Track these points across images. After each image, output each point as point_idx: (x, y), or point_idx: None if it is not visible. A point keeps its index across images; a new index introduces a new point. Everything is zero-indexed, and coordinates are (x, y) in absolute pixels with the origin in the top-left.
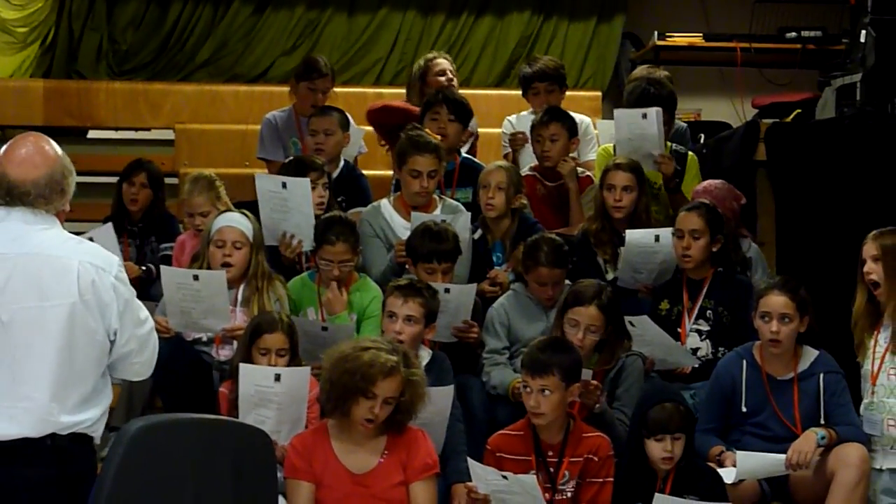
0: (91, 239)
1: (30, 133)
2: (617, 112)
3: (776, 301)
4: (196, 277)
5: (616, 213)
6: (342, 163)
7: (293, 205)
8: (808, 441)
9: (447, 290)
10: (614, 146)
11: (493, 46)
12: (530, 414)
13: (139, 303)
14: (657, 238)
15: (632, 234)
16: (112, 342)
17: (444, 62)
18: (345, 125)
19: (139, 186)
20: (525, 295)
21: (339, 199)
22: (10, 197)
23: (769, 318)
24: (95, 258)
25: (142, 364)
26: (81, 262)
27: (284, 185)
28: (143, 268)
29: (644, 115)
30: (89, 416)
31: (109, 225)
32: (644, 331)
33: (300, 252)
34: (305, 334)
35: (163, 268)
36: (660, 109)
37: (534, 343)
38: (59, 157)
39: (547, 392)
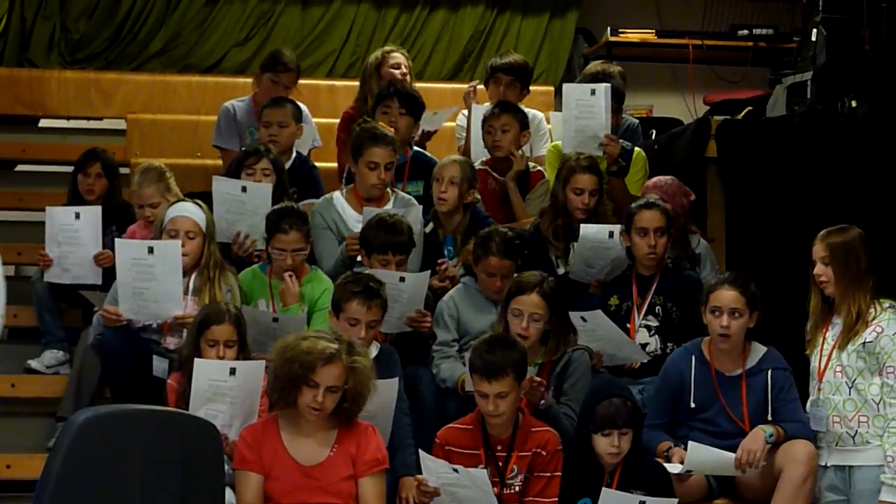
0: (78, 216)
1: None
2: (566, 87)
3: (726, 296)
4: (151, 250)
5: (582, 214)
6: (294, 154)
7: (251, 208)
8: (757, 440)
9: (402, 279)
10: (562, 141)
11: (447, 40)
12: (488, 417)
13: None
14: (611, 234)
15: (586, 229)
16: None
17: (400, 56)
18: (298, 117)
19: (94, 177)
20: (475, 288)
21: (291, 191)
22: None
23: (719, 312)
24: None
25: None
26: None
27: (244, 189)
28: None
29: (592, 92)
30: None
31: (98, 208)
32: (596, 326)
33: (252, 251)
34: (256, 325)
35: (117, 241)
36: (608, 86)
37: (478, 345)
38: None
39: (503, 394)
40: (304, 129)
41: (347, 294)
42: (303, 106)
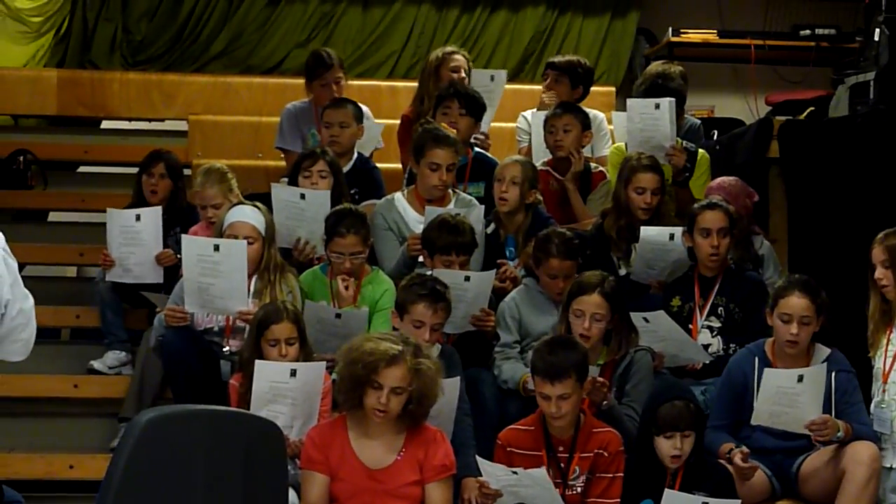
0: (139, 217)
1: None
2: (630, 101)
3: (798, 304)
4: (217, 248)
5: (644, 214)
6: (356, 155)
7: (310, 214)
8: (833, 424)
9: (467, 279)
10: (626, 144)
11: (508, 41)
12: (550, 419)
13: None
14: (671, 236)
15: (646, 232)
16: (2, 315)
17: (460, 59)
18: (359, 117)
19: (158, 177)
20: (536, 289)
21: (352, 192)
22: None
23: (789, 319)
24: None
25: (24, 343)
26: None
27: (303, 196)
28: (178, 256)
29: (657, 106)
30: None
31: (158, 209)
32: (658, 326)
33: (312, 256)
34: (319, 321)
35: (184, 237)
36: (672, 100)
37: (540, 346)
38: None
39: (565, 396)
40: (368, 129)
41: (413, 296)
42: (365, 108)
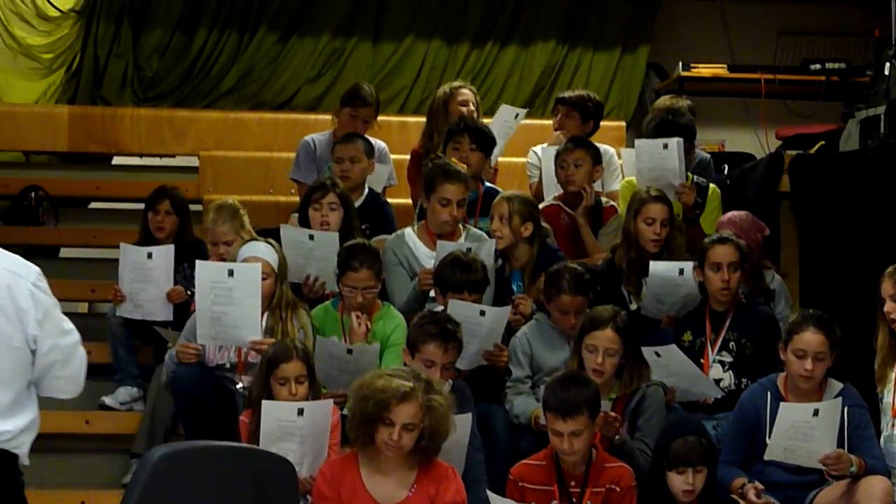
0: (150, 255)
1: None
2: (637, 142)
3: (813, 340)
4: (231, 273)
5: (654, 246)
6: (366, 191)
7: (319, 254)
8: (847, 458)
9: (483, 313)
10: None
11: (518, 76)
12: (562, 455)
13: (62, 314)
14: (681, 271)
15: (655, 266)
16: (34, 352)
17: (468, 93)
18: (370, 152)
19: (164, 214)
20: (548, 325)
21: (363, 227)
22: None
23: (804, 355)
24: (12, 265)
25: (67, 379)
26: None
27: (311, 237)
28: (189, 292)
29: (665, 146)
30: (6, 428)
31: (171, 247)
32: (670, 361)
33: (322, 293)
34: (330, 357)
35: (198, 263)
36: (680, 140)
37: (552, 383)
38: None
39: (578, 432)
40: (381, 167)
41: (424, 335)
42: (382, 143)
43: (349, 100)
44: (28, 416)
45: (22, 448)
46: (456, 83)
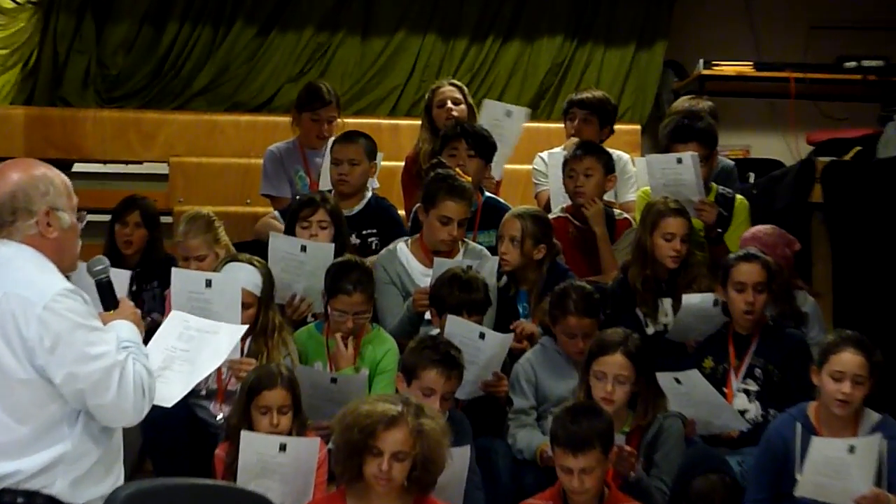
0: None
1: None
2: (648, 159)
3: (852, 361)
4: (209, 283)
5: (673, 262)
6: (369, 193)
7: (310, 268)
8: (885, 499)
9: (482, 336)
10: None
11: (521, 74)
12: (572, 494)
13: (92, 336)
14: (716, 302)
15: (689, 300)
16: (51, 383)
17: (448, 90)
18: (372, 153)
19: (133, 226)
20: (554, 349)
21: (364, 233)
22: None
23: (841, 377)
24: (25, 289)
25: (110, 408)
26: (6, 294)
27: (304, 249)
28: (149, 318)
29: (679, 160)
30: (20, 468)
31: (127, 274)
32: (691, 388)
33: (307, 315)
34: (313, 386)
35: (174, 270)
36: (695, 154)
37: (561, 414)
38: (21, 177)
39: (589, 469)
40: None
41: (425, 361)
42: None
43: (306, 103)
44: (59, 448)
45: (53, 486)
46: (438, 82)
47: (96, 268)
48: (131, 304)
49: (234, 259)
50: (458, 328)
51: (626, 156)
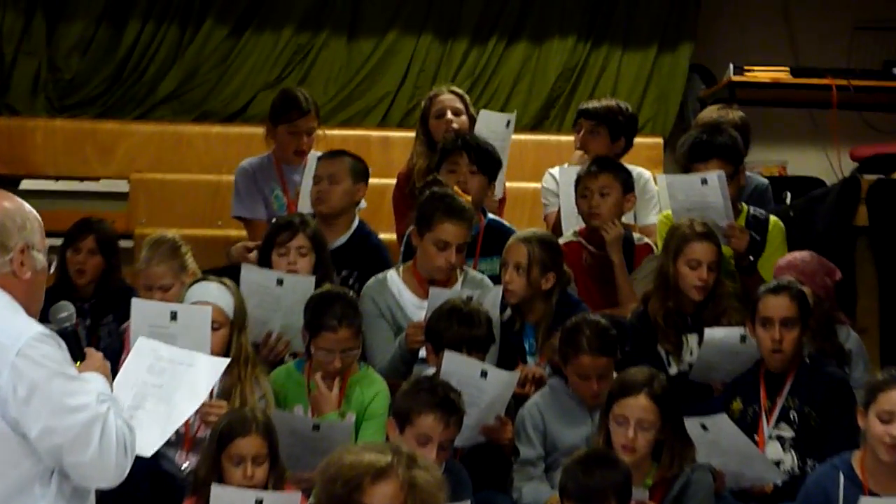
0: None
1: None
2: (669, 180)
3: None
4: (174, 315)
5: (699, 294)
6: (355, 224)
7: (287, 303)
8: None
9: (484, 374)
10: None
11: (529, 80)
12: None
13: (72, 386)
14: (743, 338)
15: (711, 334)
16: (24, 436)
17: (448, 98)
18: (359, 174)
19: (86, 253)
20: (564, 392)
21: (344, 274)
22: None
23: (892, 419)
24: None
25: (86, 465)
26: None
27: (280, 282)
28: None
29: (703, 181)
30: None
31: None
32: (719, 435)
33: (284, 355)
34: (293, 434)
35: (134, 301)
36: (722, 173)
37: (571, 464)
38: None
39: None
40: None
41: (421, 405)
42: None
43: (282, 113)
44: None
45: None
46: (436, 89)
47: (60, 315)
48: (100, 354)
49: (201, 280)
50: (458, 366)
51: (647, 173)
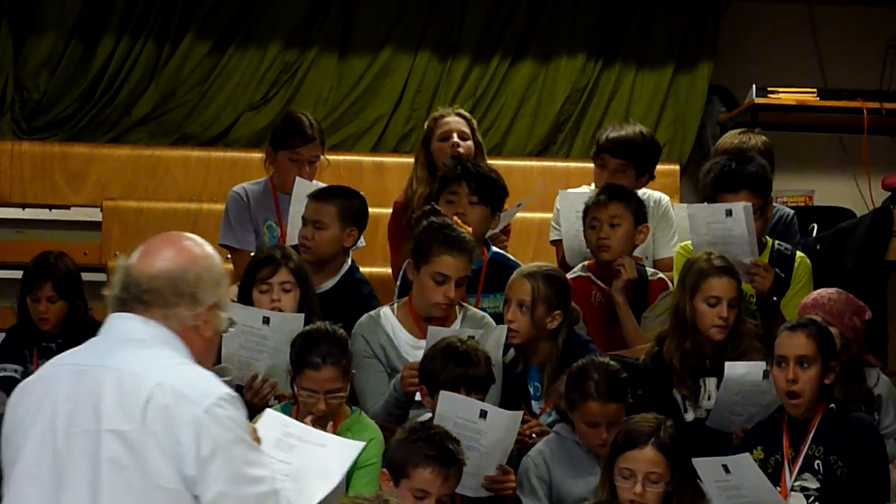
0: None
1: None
2: (690, 210)
3: None
4: (266, 320)
5: (719, 333)
6: (345, 269)
7: (274, 345)
8: None
9: (483, 414)
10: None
11: (535, 102)
12: None
13: (253, 456)
14: (766, 374)
15: (732, 370)
16: (197, 498)
17: (454, 121)
18: (349, 218)
19: (45, 301)
20: (571, 440)
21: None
22: (127, 294)
23: None
24: (186, 385)
25: None
26: (161, 385)
27: (266, 321)
28: None
29: (728, 212)
30: None
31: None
32: (742, 479)
33: (270, 398)
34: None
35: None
36: (749, 205)
37: None
38: (200, 256)
39: None
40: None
41: (417, 457)
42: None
43: (284, 139)
44: None
45: None
46: (439, 111)
47: (223, 378)
48: (253, 426)
49: None
50: (454, 407)
51: (665, 198)
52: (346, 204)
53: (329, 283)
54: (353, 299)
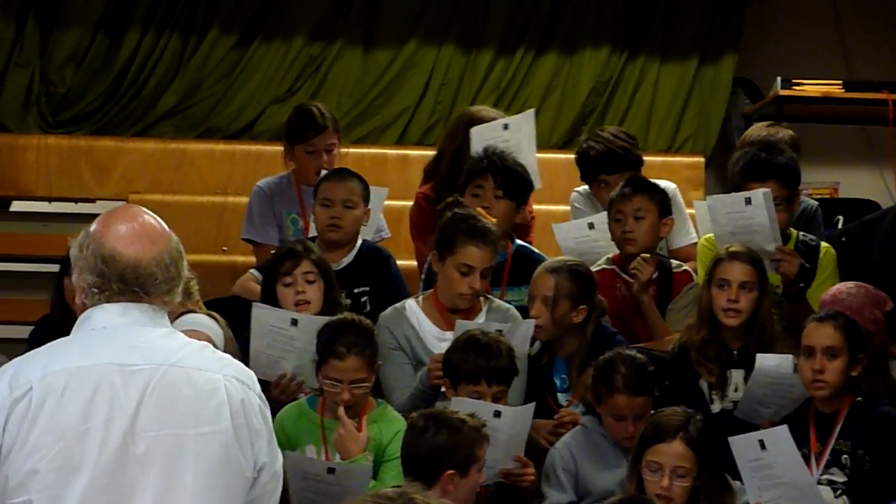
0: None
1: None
2: (710, 201)
3: None
4: (294, 322)
5: (729, 318)
6: (359, 242)
7: (301, 345)
8: None
9: (497, 414)
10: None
11: (559, 94)
12: None
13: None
14: (797, 367)
15: (763, 361)
16: (254, 480)
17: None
18: (367, 196)
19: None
20: (598, 432)
21: (356, 292)
22: (125, 284)
23: None
24: (238, 372)
25: None
26: (227, 378)
27: (294, 323)
28: None
29: (748, 201)
30: None
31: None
32: (776, 455)
33: (297, 395)
34: (306, 478)
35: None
36: (768, 191)
37: None
38: (169, 232)
39: None
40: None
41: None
42: (382, 189)
43: (298, 133)
44: None
45: None
46: (476, 107)
47: None
48: None
49: (187, 312)
50: (468, 409)
51: (672, 185)
52: (363, 183)
53: (348, 258)
54: (375, 264)
